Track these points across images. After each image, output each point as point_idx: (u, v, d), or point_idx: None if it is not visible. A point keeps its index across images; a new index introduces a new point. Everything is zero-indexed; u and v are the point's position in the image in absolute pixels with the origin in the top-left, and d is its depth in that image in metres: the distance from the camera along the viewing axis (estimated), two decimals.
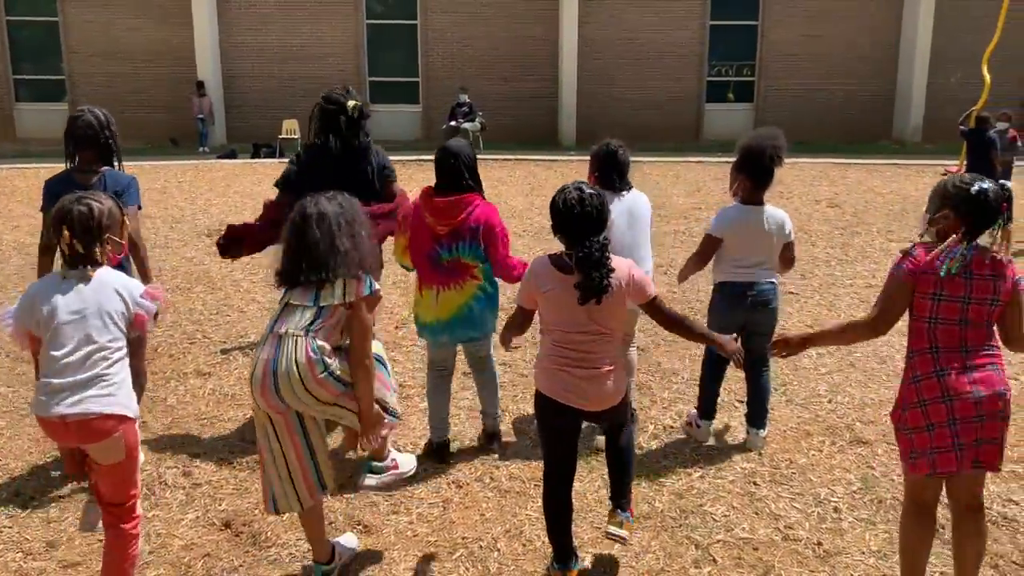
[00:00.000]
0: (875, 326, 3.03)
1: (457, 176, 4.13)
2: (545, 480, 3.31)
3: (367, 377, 3.12)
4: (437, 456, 4.42)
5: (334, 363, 3.06)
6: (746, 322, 4.43)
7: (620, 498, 3.39)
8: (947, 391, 2.87)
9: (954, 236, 2.87)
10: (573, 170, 15.86)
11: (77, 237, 2.88)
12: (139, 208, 4.17)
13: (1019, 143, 11.40)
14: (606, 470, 3.51)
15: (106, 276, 2.95)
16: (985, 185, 2.88)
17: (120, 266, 3.58)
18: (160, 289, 3.10)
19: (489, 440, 4.56)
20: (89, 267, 2.93)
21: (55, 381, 2.82)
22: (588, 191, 3.11)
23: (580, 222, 3.06)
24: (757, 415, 4.58)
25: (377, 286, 3.17)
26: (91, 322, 2.86)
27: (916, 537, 3.06)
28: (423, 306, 4.27)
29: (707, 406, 4.65)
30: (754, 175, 4.35)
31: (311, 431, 3.17)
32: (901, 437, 3.02)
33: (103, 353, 2.85)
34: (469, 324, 4.23)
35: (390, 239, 4.50)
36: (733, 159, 4.45)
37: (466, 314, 4.20)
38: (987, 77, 9.50)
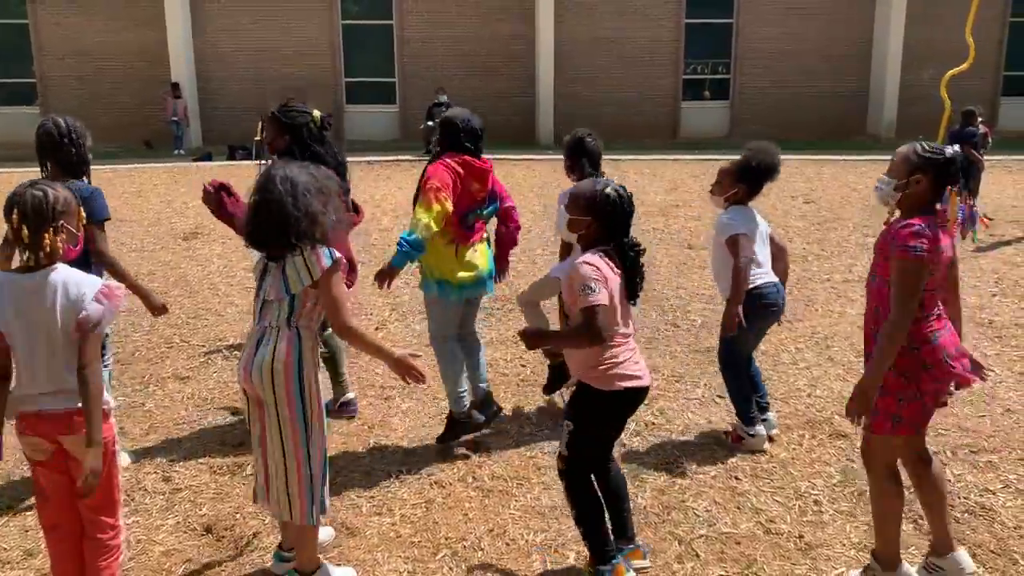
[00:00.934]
0: (909, 322, 2.93)
1: (480, 140, 4.43)
2: (583, 477, 3.26)
3: (360, 339, 3.12)
4: (465, 430, 4.50)
5: (309, 377, 3.08)
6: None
7: (631, 529, 3.41)
8: (938, 353, 3.01)
9: (954, 203, 3.02)
10: (551, 169, 15.88)
11: (28, 222, 2.67)
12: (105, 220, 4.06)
13: (989, 139, 11.51)
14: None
15: (57, 274, 2.73)
16: (956, 147, 3.04)
17: (83, 262, 3.49)
18: (118, 289, 2.85)
19: (484, 407, 4.58)
20: (43, 259, 2.71)
21: (30, 392, 2.76)
22: (624, 188, 3.19)
23: (629, 218, 3.17)
24: (765, 399, 4.66)
25: (338, 254, 3.08)
26: (51, 326, 2.72)
27: (898, 500, 3.19)
28: (464, 264, 4.34)
29: (752, 412, 4.52)
30: (758, 188, 4.46)
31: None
32: (888, 400, 3.03)
33: (69, 357, 2.76)
34: (489, 276, 4.54)
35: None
36: (733, 164, 4.45)
37: (491, 266, 4.56)
38: (946, 99, 9.55)
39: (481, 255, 4.44)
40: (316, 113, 4.47)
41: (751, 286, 4.28)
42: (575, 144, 4.79)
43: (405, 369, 3.08)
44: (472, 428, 4.56)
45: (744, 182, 4.43)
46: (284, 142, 4.42)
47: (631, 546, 3.38)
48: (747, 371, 4.61)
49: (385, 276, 4.23)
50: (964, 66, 9.51)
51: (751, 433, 4.49)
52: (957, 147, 3.05)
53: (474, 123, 4.41)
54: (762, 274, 4.36)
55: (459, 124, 4.37)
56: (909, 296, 2.90)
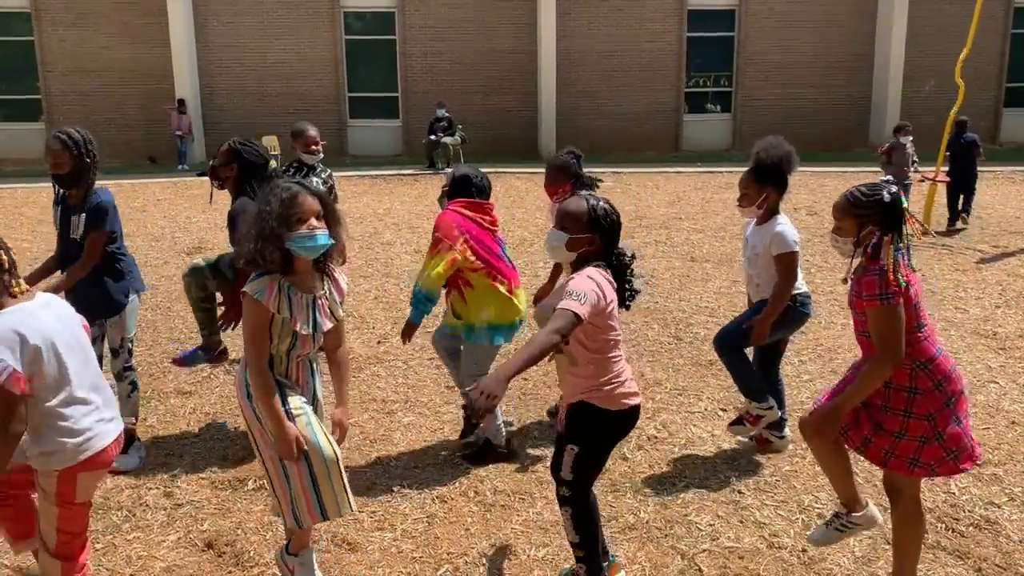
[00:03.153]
0: (897, 361, 2.96)
1: (488, 195, 4.56)
2: (588, 501, 3.18)
3: (257, 385, 2.94)
4: (498, 458, 4.52)
5: (256, 400, 3.03)
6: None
7: (605, 545, 3.40)
8: (960, 385, 3.03)
9: (886, 244, 2.96)
10: None
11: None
12: None
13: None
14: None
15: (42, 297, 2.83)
16: (893, 189, 3.03)
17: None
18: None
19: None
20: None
21: (105, 415, 2.87)
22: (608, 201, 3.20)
23: (620, 229, 3.16)
24: (786, 416, 4.65)
25: (249, 290, 2.89)
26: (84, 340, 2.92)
27: (923, 529, 3.22)
28: (512, 306, 4.41)
29: (765, 394, 4.48)
30: (784, 184, 4.33)
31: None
32: (931, 447, 3.00)
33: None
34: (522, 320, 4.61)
35: None
36: (749, 170, 4.31)
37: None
38: (961, 83, 9.70)
39: (524, 299, 4.53)
40: (272, 164, 4.66)
41: (797, 292, 4.28)
42: (576, 163, 4.90)
43: (285, 449, 2.93)
44: (504, 457, 4.55)
45: (768, 183, 4.26)
46: (231, 172, 4.55)
47: (610, 560, 3.40)
48: (775, 379, 4.59)
49: (407, 334, 4.43)
50: (958, 66, 9.58)
51: (779, 436, 4.51)
52: (893, 187, 3.04)
53: (485, 181, 4.53)
54: (802, 283, 4.35)
55: (473, 180, 4.48)
56: (894, 337, 2.91)
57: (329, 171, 6.29)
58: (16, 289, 2.66)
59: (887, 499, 3.24)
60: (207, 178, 4.71)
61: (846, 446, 3.13)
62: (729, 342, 4.38)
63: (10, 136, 20.68)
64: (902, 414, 3.01)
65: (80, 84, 21.11)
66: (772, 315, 4.21)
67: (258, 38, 21.29)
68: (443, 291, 4.43)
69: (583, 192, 3.22)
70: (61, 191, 4.34)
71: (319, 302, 3.04)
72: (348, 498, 3.07)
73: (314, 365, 3.18)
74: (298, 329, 2.96)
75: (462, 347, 4.54)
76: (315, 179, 6.04)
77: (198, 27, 21.01)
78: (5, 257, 2.64)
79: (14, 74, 21.32)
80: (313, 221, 2.91)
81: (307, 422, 3.01)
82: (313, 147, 6.13)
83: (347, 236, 3.15)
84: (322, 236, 2.92)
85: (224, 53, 21.31)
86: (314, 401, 3.17)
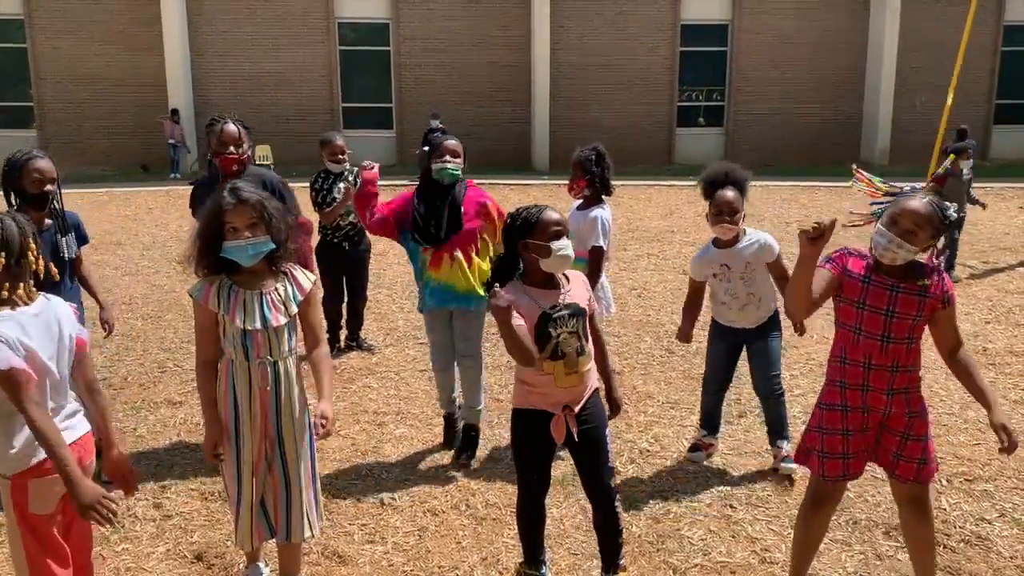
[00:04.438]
0: None
1: None
2: None
3: (199, 389, 3.15)
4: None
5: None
6: None
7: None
8: None
9: (935, 251, 3.12)
10: (547, 194, 15.95)
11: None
12: None
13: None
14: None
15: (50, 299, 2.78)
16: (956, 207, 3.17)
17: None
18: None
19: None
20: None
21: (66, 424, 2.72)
22: None
23: None
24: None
25: (189, 291, 3.07)
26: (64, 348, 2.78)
27: None
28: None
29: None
30: None
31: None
32: (931, 443, 3.13)
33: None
34: None
35: None
36: (737, 191, 4.45)
37: None
38: (950, 97, 9.76)
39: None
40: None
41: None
42: (594, 159, 5.24)
43: (205, 445, 3.10)
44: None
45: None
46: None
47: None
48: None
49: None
50: (948, 101, 9.66)
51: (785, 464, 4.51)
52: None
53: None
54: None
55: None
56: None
57: (356, 169, 6.53)
58: (26, 297, 2.57)
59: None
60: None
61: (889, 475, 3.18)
62: (776, 384, 4.49)
63: (2, 143, 20.61)
64: (922, 415, 3.11)
65: (73, 92, 21.09)
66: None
67: (252, 48, 21.32)
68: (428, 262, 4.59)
69: (548, 206, 3.36)
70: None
71: (267, 297, 3.05)
72: (252, 538, 3.18)
73: (284, 370, 3.11)
74: (239, 324, 2.99)
75: (461, 319, 4.60)
76: (342, 184, 6.39)
77: (192, 36, 21.03)
78: (33, 260, 2.59)
79: (7, 81, 21.30)
80: (245, 231, 2.96)
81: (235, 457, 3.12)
82: (340, 156, 6.43)
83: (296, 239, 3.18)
84: (252, 246, 2.97)
85: (218, 62, 21.34)
86: (290, 409, 3.13)
